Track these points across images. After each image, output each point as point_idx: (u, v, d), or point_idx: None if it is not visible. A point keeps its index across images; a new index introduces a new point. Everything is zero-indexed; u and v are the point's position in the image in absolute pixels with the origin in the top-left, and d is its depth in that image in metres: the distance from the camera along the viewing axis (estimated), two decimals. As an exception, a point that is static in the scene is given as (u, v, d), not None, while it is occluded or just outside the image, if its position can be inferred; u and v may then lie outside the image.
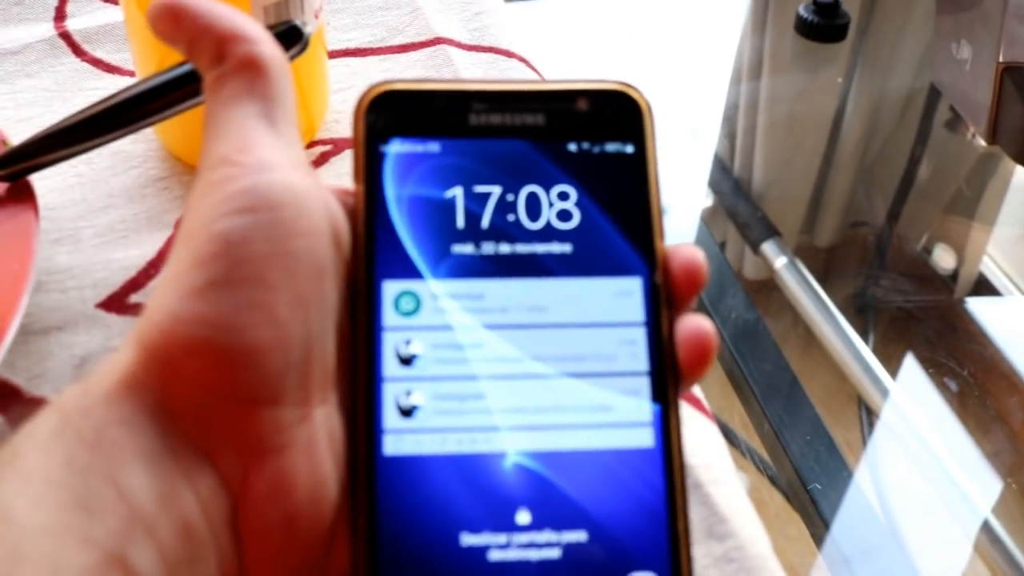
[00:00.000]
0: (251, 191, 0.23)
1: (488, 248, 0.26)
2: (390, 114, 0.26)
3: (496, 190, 0.26)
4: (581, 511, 0.24)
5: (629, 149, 0.27)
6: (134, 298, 0.37)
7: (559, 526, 0.24)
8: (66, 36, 0.48)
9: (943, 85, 0.92)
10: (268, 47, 0.25)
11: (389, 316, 0.25)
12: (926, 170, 1.06)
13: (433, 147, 0.26)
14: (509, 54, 0.48)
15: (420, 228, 0.26)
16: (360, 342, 0.25)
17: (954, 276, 1.06)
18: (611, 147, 0.27)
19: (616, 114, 0.27)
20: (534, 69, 0.48)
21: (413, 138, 0.26)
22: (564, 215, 0.26)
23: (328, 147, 0.43)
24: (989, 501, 0.94)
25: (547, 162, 0.27)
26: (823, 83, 1.07)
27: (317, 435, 0.23)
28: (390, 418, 0.24)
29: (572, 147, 0.27)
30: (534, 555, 0.24)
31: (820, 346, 1.01)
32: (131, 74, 0.46)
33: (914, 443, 0.98)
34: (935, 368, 1.01)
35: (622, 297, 0.26)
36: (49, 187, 0.41)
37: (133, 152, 0.42)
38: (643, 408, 0.25)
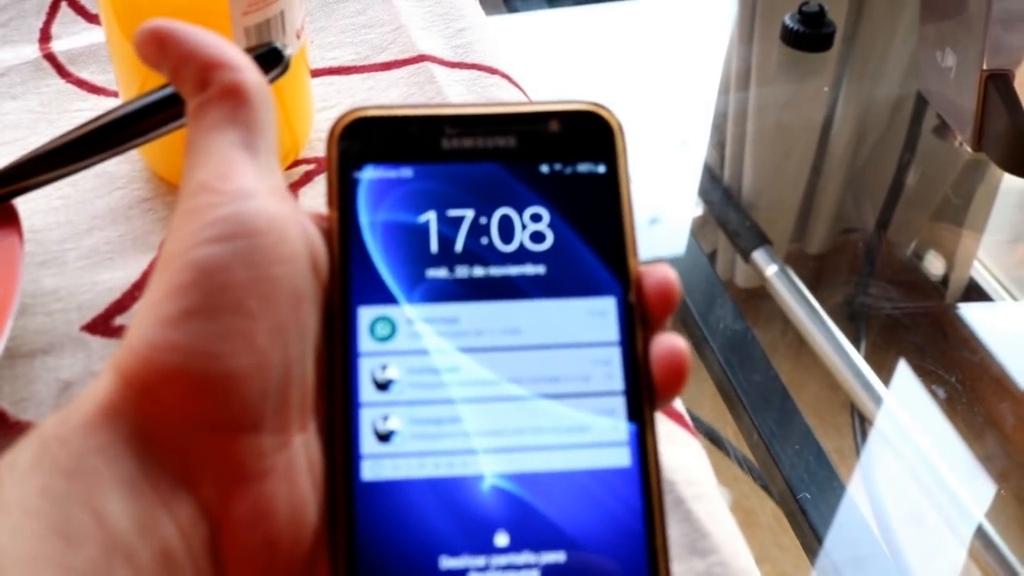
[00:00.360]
0: (229, 219, 0.23)
1: (462, 272, 0.26)
2: (363, 141, 0.26)
3: (469, 213, 0.26)
4: (560, 532, 0.24)
5: (601, 169, 0.27)
6: (119, 320, 0.37)
7: (538, 547, 0.24)
8: (51, 58, 0.48)
9: (929, 93, 0.93)
10: (251, 75, 0.25)
11: (365, 341, 0.25)
12: (914, 177, 1.06)
13: (406, 172, 0.26)
14: (492, 70, 0.49)
15: (394, 253, 0.26)
16: (336, 368, 0.25)
17: (944, 282, 1.06)
18: (583, 167, 0.27)
19: (588, 134, 0.27)
20: (517, 85, 0.48)
21: (386, 164, 0.26)
22: (537, 237, 0.26)
23: (312, 166, 0.44)
24: (983, 507, 0.94)
25: (520, 184, 0.27)
26: (810, 92, 1.08)
27: (297, 461, 0.23)
28: (367, 443, 0.24)
29: (544, 168, 0.27)
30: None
31: (812, 354, 1.01)
32: (115, 95, 0.47)
33: (907, 449, 0.98)
34: (927, 374, 1.02)
35: (596, 317, 0.26)
36: (34, 209, 0.41)
37: (117, 173, 0.43)
38: (619, 427, 0.25)
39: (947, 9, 0.86)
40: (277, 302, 0.23)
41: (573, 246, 0.26)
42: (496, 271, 0.26)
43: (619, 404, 0.25)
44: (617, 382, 0.25)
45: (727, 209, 1.13)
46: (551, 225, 0.27)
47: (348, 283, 0.25)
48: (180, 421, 0.22)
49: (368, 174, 0.26)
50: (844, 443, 0.99)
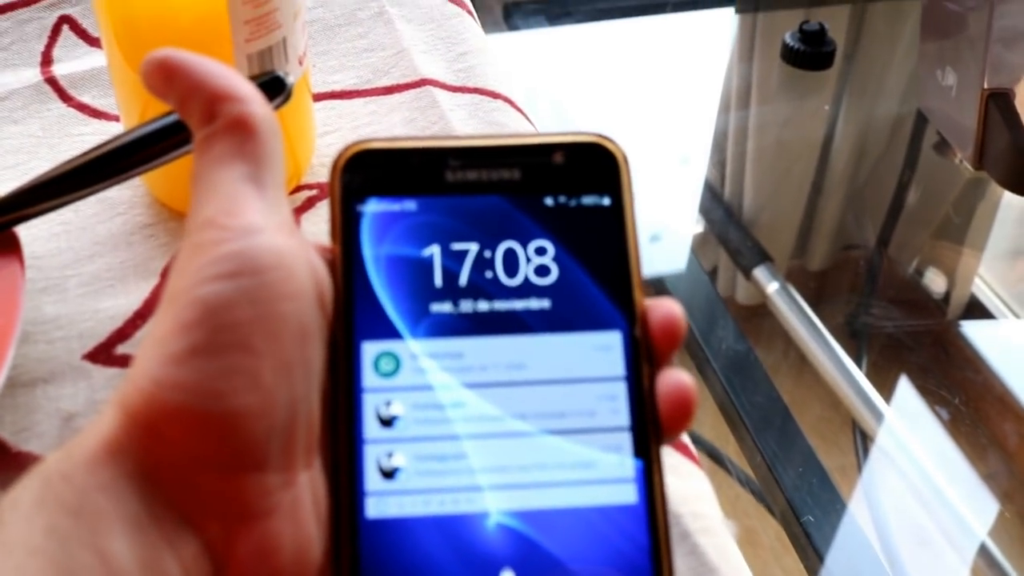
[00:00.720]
0: (236, 256, 0.23)
1: (466, 306, 0.26)
2: (366, 173, 0.26)
3: (473, 247, 0.26)
4: (566, 570, 0.24)
5: (606, 201, 0.27)
6: (121, 349, 0.37)
7: None
8: (52, 81, 0.48)
9: (929, 111, 0.93)
10: (258, 107, 0.25)
11: (369, 377, 0.25)
12: (915, 195, 1.06)
13: (410, 205, 0.26)
14: (495, 95, 0.49)
15: (398, 288, 0.26)
16: (341, 404, 0.25)
17: (946, 299, 1.06)
18: (588, 200, 0.27)
19: (592, 166, 0.27)
20: (520, 110, 0.48)
21: (389, 197, 0.26)
22: (542, 270, 0.26)
23: (314, 191, 0.43)
24: (986, 525, 0.94)
25: (524, 217, 0.27)
26: (811, 110, 1.08)
27: (302, 498, 0.23)
28: (372, 480, 0.24)
29: (549, 201, 0.27)
30: None
31: (813, 372, 1.01)
32: (116, 119, 0.47)
33: (909, 468, 0.97)
34: (929, 392, 1.01)
35: (602, 352, 0.26)
36: (35, 235, 0.41)
37: (119, 199, 0.42)
38: (625, 464, 0.25)
39: (948, 28, 0.86)
40: (283, 340, 0.23)
41: (578, 280, 0.26)
42: (501, 305, 0.26)
43: (625, 440, 0.25)
44: (623, 417, 0.25)
45: (728, 226, 1.13)
46: (556, 258, 0.26)
47: (352, 318, 0.25)
48: (185, 459, 0.22)
49: (371, 207, 0.26)
50: (846, 461, 0.99)
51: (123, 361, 0.36)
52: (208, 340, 0.22)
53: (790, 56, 0.97)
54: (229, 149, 0.25)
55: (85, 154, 0.36)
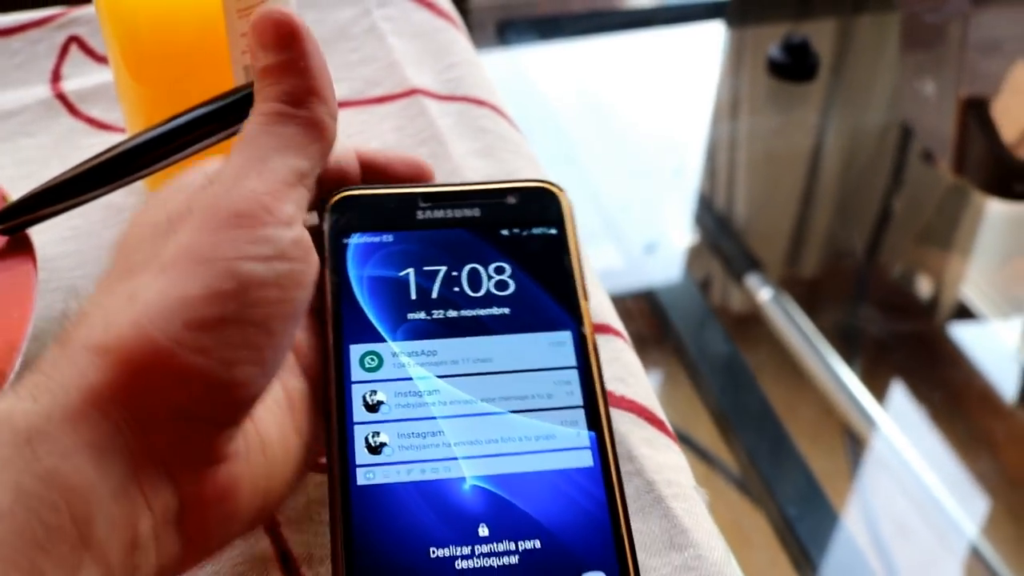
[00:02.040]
0: (276, 241, 0.25)
1: (438, 314, 0.30)
2: (350, 213, 0.31)
3: (443, 268, 0.31)
4: (534, 523, 0.27)
5: (553, 231, 0.32)
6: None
7: (516, 536, 0.27)
8: (62, 97, 0.51)
9: (911, 121, 0.95)
10: (336, 123, 0.28)
11: (356, 372, 0.29)
12: (902, 201, 1.08)
13: (388, 238, 0.31)
14: (481, 102, 0.51)
15: (379, 301, 0.30)
16: (333, 394, 0.28)
17: (934, 303, 1.08)
18: (537, 230, 0.32)
19: (539, 205, 0.32)
20: (504, 116, 0.51)
21: (370, 232, 0.31)
22: (501, 285, 0.31)
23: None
24: (976, 524, 0.95)
25: (485, 245, 0.31)
26: (798, 121, 1.10)
27: (254, 445, 0.26)
28: (361, 455, 0.28)
29: (505, 232, 0.32)
30: (495, 562, 0.27)
31: (805, 376, 1.03)
32: (122, 131, 0.49)
33: (900, 469, 0.99)
34: (918, 394, 1.03)
35: (555, 347, 0.30)
36: (46, 240, 0.43)
37: (124, 204, 0.45)
38: (581, 435, 0.29)
39: (926, 40, 0.89)
40: (291, 323, 0.25)
41: (532, 292, 0.31)
42: (467, 313, 0.30)
43: (580, 416, 0.29)
44: (577, 398, 0.29)
45: (720, 235, 1.16)
46: (512, 276, 0.31)
47: (340, 325, 0.29)
48: (175, 413, 0.24)
49: (355, 239, 0.31)
50: (837, 464, 1.00)
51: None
52: (238, 314, 0.24)
53: (775, 69, 1.00)
54: (299, 140, 0.27)
55: (91, 159, 0.38)
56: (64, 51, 0.53)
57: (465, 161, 0.48)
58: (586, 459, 0.29)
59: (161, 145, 0.38)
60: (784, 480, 0.87)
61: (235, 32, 0.40)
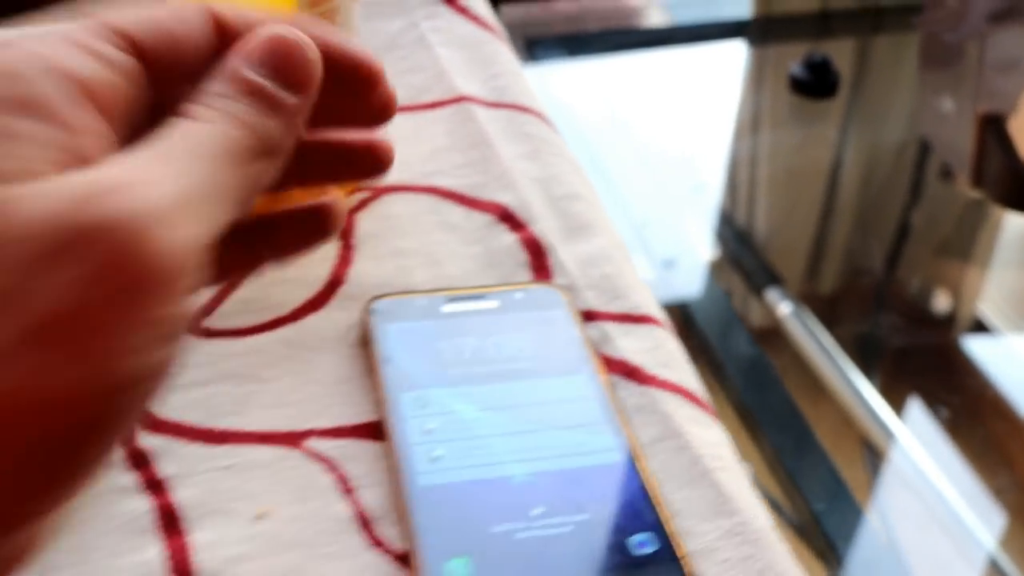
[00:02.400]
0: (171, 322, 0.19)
1: (471, 367, 0.38)
2: (389, 311, 0.40)
3: (470, 339, 0.39)
4: (582, 502, 0.33)
5: (558, 312, 0.41)
6: (202, 323, 0.42)
7: (567, 512, 0.33)
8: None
9: (930, 137, 0.98)
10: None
11: (409, 410, 0.36)
12: (920, 216, 1.11)
13: (422, 324, 0.40)
14: (525, 109, 0.54)
15: (420, 364, 0.37)
16: (394, 427, 0.35)
17: (952, 317, 1.10)
18: (544, 313, 0.41)
19: (546, 297, 0.42)
20: (546, 121, 0.53)
21: (407, 321, 0.40)
22: (525, 347, 0.39)
23: (366, 194, 0.48)
24: (995, 537, 0.97)
25: (507, 323, 0.40)
26: (818, 137, 1.13)
27: None
28: (422, 465, 0.34)
29: (519, 315, 0.40)
30: (551, 531, 0.32)
31: (825, 389, 1.05)
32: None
33: (919, 482, 1.01)
34: (937, 408, 1.05)
35: (576, 386, 0.38)
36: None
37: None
38: (608, 440, 0.35)
39: (945, 58, 0.91)
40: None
41: (550, 351, 0.39)
42: (498, 367, 0.38)
43: (605, 428, 0.36)
44: (601, 417, 0.36)
45: (741, 250, 1.18)
46: (533, 340, 0.39)
47: (391, 384, 0.37)
48: None
49: (395, 327, 0.39)
50: (856, 475, 1.02)
51: (208, 332, 0.41)
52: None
53: (796, 86, 1.02)
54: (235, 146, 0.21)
55: None
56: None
57: (514, 164, 0.50)
58: (617, 456, 0.35)
59: None
60: (809, 491, 0.89)
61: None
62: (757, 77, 1.16)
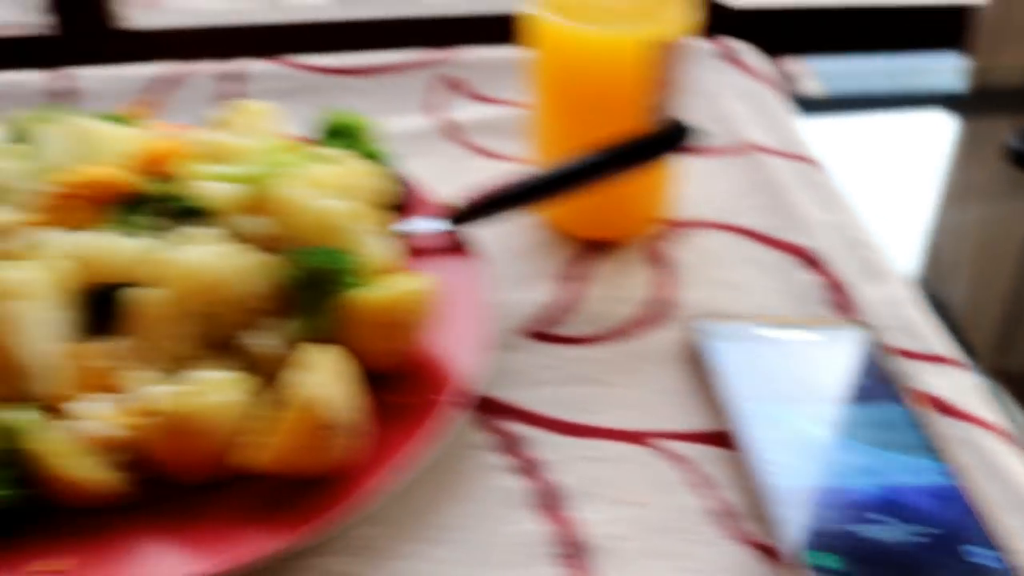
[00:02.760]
0: None
1: (802, 390, 0.43)
2: (715, 332, 0.45)
3: (794, 363, 0.44)
4: (915, 515, 0.37)
5: (867, 347, 0.46)
6: (554, 329, 0.47)
7: (903, 518, 0.37)
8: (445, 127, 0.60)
9: None
10: None
11: (754, 421, 0.42)
12: None
13: (748, 346, 0.45)
14: (806, 159, 0.58)
15: (755, 382, 0.43)
16: (742, 436, 0.41)
17: None
18: (855, 346, 0.45)
19: (855, 332, 0.46)
20: (824, 171, 0.57)
21: (732, 342, 0.45)
22: (842, 374, 0.44)
23: (670, 228, 0.53)
24: None
25: (822, 353, 0.45)
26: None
27: None
28: (773, 467, 0.40)
29: (834, 346, 0.46)
30: (889, 535, 0.36)
31: None
32: (507, 159, 0.57)
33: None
34: None
35: (898, 414, 0.42)
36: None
37: (522, 222, 0.53)
38: (935, 464, 0.40)
39: None
40: None
41: (868, 378, 0.44)
42: (821, 389, 0.43)
43: (929, 453, 0.40)
44: (921, 442, 0.40)
45: (939, 321, 1.17)
46: (848, 369, 0.45)
47: (730, 393, 0.43)
48: None
49: (722, 346, 0.45)
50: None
51: (556, 339, 0.46)
52: None
53: (1013, 157, 1.03)
54: None
55: (535, 175, 0.47)
56: (434, 88, 0.63)
57: (806, 210, 0.54)
58: (942, 479, 0.39)
59: (599, 169, 0.46)
60: None
61: (647, 82, 0.47)
62: (968, 146, 1.16)
